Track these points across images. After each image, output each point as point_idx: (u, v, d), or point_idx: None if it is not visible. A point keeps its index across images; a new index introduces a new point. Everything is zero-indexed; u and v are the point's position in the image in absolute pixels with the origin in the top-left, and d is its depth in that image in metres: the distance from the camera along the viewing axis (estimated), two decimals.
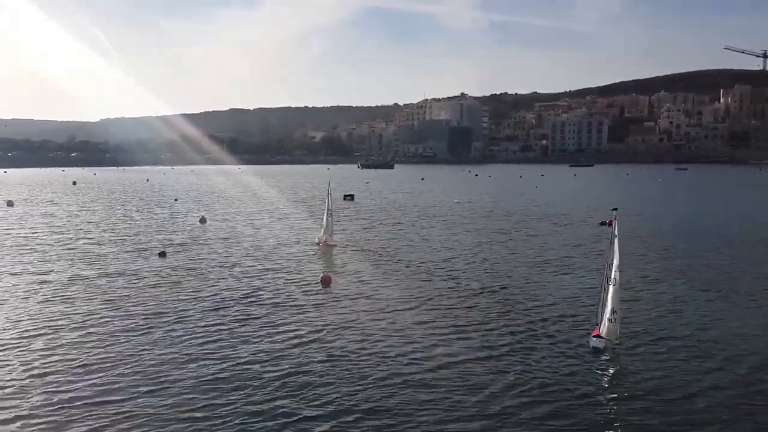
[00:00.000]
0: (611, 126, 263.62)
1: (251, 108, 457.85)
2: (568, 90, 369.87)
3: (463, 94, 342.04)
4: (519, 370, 12.09)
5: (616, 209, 37.74)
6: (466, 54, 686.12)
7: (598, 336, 13.24)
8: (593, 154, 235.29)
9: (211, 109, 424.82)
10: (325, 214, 27.07)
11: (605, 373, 12.14)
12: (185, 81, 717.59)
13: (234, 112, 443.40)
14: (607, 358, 12.87)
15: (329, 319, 15.64)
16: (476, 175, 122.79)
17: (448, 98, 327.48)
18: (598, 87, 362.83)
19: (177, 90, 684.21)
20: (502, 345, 13.67)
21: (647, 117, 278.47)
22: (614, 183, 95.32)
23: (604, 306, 13.18)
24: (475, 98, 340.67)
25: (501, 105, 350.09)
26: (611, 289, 12.83)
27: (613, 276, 12.73)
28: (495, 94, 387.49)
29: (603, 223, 35.66)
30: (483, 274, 21.69)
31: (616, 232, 12.93)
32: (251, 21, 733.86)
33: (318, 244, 27.53)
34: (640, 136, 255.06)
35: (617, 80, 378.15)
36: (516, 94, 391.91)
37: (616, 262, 12.65)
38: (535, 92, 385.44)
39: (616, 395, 11.10)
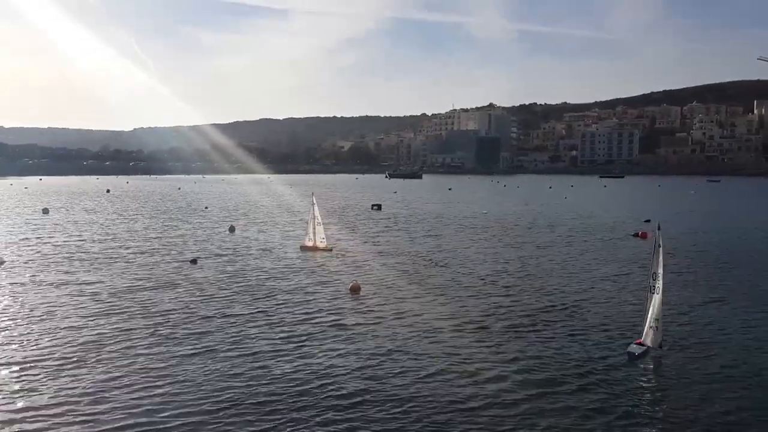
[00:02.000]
0: (642, 137, 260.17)
1: (280, 118, 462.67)
2: (598, 100, 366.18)
3: (491, 104, 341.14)
4: (560, 379, 11.92)
5: (648, 221, 37.15)
6: (496, 64, 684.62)
7: (640, 344, 13.35)
8: (624, 165, 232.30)
9: (241, 119, 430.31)
10: (311, 222, 28.41)
11: (646, 380, 12.12)
12: (217, 91, 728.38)
13: (264, 121, 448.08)
14: (650, 365, 12.89)
15: (360, 330, 15.56)
16: (504, 185, 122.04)
17: (477, 108, 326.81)
18: (629, 97, 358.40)
19: (208, 100, 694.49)
20: (544, 354, 13.51)
21: (679, 128, 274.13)
22: (646, 194, 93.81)
23: (646, 314, 13.31)
24: (504, 108, 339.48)
25: (530, 115, 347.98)
26: (654, 297, 13.03)
27: (656, 285, 12.95)
28: (524, 104, 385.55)
29: (636, 235, 35.12)
30: (518, 284, 21.40)
31: (661, 242, 13.10)
32: (283, 32, 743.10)
33: (304, 249, 28.53)
34: (672, 147, 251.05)
35: (648, 91, 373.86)
36: (545, 104, 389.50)
37: (659, 271, 12.91)
38: (565, 102, 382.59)
39: (655, 404, 11.04)
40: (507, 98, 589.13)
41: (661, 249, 13.01)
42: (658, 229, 13.19)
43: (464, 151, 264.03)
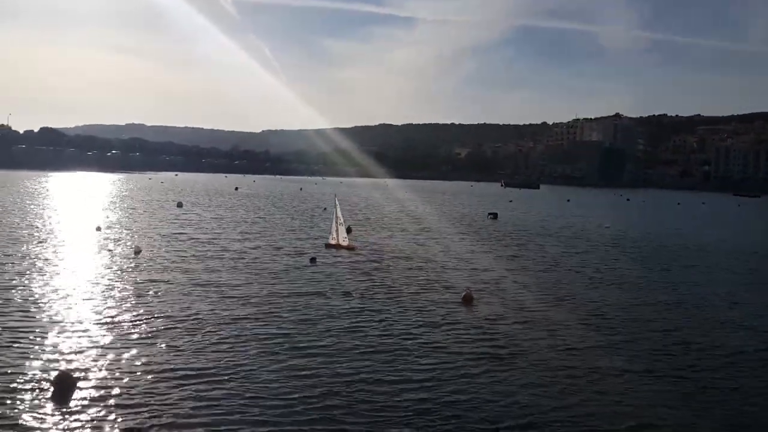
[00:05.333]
0: None
1: (399, 123, 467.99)
2: (734, 114, 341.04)
3: (617, 115, 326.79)
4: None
5: None
6: (623, 73, 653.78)
7: None
8: (761, 184, 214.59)
9: (361, 124, 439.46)
10: (334, 222, 30.10)
11: None
12: (338, 96, 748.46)
13: (382, 127, 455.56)
14: None
15: (471, 339, 15.59)
16: (628, 199, 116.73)
17: (601, 118, 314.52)
18: None
19: (331, 105, 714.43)
20: (682, 377, 12.99)
21: None
22: None
23: None
24: (631, 119, 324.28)
25: (659, 127, 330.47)
26: None
27: None
28: (653, 115, 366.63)
29: None
30: (640, 305, 20.48)
31: None
32: (406, 40, 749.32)
33: (329, 247, 29.79)
34: None
35: None
36: (676, 116, 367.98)
37: None
38: (698, 115, 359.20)
39: None
40: (633, 109, 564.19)
41: None
42: None
43: (586, 162, 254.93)
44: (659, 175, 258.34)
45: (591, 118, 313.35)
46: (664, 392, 12.22)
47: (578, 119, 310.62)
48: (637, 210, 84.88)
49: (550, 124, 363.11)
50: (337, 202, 30.21)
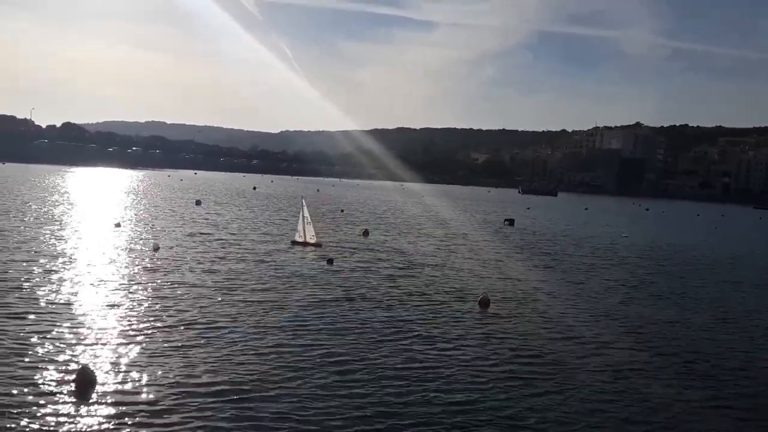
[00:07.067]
0: None
1: (417, 127, 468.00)
2: (757, 125, 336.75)
3: (638, 123, 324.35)
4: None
5: None
6: (644, 82, 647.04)
7: None
8: None
9: (379, 127, 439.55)
10: (301, 221, 31.63)
11: None
12: (357, 98, 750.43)
13: (400, 130, 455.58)
14: None
15: (486, 341, 15.59)
16: (647, 209, 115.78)
17: (622, 127, 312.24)
18: None
19: (349, 107, 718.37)
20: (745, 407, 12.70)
21: None
22: None
23: None
24: (651, 128, 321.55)
25: (680, 137, 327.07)
26: None
27: None
28: (674, 125, 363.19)
29: None
30: (677, 321, 20.29)
31: None
32: (425, 43, 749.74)
33: (295, 244, 31.19)
34: None
35: None
36: (698, 126, 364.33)
37: None
38: (720, 126, 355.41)
39: None
40: (654, 118, 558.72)
41: None
42: None
43: (604, 170, 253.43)
44: (679, 185, 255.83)
45: (611, 127, 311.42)
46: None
47: (598, 127, 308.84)
48: (657, 220, 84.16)
49: (570, 131, 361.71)
50: (304, 203, 31.94)
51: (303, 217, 31.74)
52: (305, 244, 30.97)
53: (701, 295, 24.93)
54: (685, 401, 12.35)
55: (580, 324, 18.20)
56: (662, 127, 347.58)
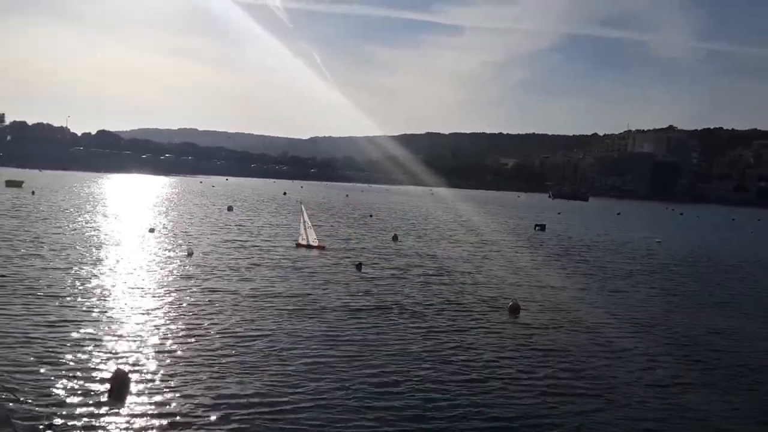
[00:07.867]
0: None
1: (446, 132, 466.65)
2: None
3: (671, 127, 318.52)
4: None
5: None
6: (677, 84, 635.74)
7: None
8: None
9: (408, 132, 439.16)
10: (302, 225, 32.85)
11: None
12: (386, 103, 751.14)
13: (429, 135, 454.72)
14: None
15: (517, 347, 15.24)
16: (681, 214, 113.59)
17: (654, 130, 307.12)
18: None
19: (378, 112, 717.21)
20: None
21: None
22: None
23: None
24: (685, 132, 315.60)
25: (714, 140, 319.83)
26: None
27: None
28: (708, 128, 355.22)
29: None
30: (709, 328, 19.67)
31: None
32: (454, 48, 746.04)
33: (299, 246, 32.00)
34: None
35: None
36: (732, 129, 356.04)
37: None
38: (755, 129, 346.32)
39: None
40: (688, 121, 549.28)
41: None
42: None
43: (637, 174, 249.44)
44: (713, 189, 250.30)
45: (643, 130, 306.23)
46: None
47: (630, 131, 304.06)
48: (692, 225, 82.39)
49: (601, 134, 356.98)
50: (303, 209, 33.47)
51: (303, 221, 32.97)
52: (308, 246, 31.83)
53: (747, 303, 24.20)
54: (742, 419, 11.86)
55: (621, 334, 17.71)
56: (695, 130, 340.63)
